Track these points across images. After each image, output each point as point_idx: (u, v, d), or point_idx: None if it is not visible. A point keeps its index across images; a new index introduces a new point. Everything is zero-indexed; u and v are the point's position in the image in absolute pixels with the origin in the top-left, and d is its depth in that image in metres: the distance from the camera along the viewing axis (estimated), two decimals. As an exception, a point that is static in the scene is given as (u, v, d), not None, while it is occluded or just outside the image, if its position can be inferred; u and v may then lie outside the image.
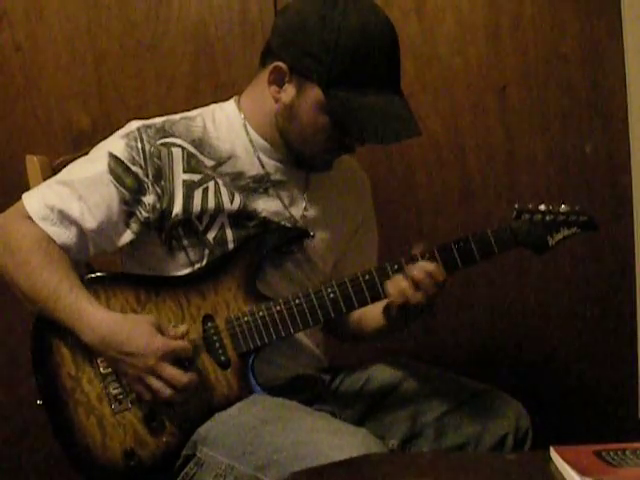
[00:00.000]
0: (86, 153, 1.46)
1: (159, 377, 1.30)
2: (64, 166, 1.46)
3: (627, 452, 1.03)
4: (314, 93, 1.35)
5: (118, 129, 1.44)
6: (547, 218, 1.38)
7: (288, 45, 1.36)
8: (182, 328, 1.35)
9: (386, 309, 1.42)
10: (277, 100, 1.39)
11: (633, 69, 2.00)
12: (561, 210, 1.39)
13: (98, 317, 1.32)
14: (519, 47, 2.03)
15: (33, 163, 1.55)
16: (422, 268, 1.33)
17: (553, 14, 2.03)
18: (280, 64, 1.36)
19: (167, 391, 1.31)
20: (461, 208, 2.08)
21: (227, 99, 1.51)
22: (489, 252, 1.38)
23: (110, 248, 1.42)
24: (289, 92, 1.38)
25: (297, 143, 1.41)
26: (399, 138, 1.38)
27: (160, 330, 1.32)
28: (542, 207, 1.39)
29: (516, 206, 1.39)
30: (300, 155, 1.43)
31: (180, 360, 1.32)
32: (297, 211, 1.47)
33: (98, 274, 1.41)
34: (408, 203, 2.09)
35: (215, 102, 1.51)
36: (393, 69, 1.37)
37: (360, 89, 1.33)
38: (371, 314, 1.51)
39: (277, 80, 1.38)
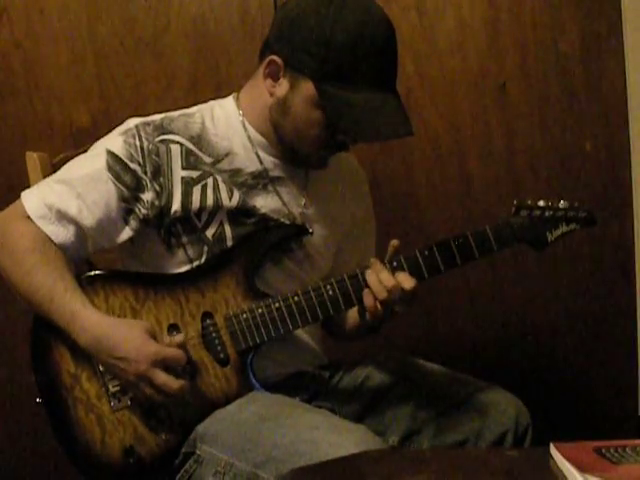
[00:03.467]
0: (86, 150, 1.46)
1: (150, 383, 1.30)
2: (64, 163, 1.46)
3: (627, 449, 1.02)
4: (307, 88, 1.35)
5: (118, 126, 1.44)
6: (546, 214, 1.38)
7: (283, 39, 1.35)
8: (179, 337, 1.34)
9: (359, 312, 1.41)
10: (272, 94, 1.39)
11: (633, 68, 2.00)
12: (560, 206, 1.38)
13: (92, 320, 1.31)
14: (519, 44, 2.03)
15: (33, 160, 1.55)
16: (377, 279, 1.33)
17: (553, 12, 2.02)
18: (275, 58, 1.36)
19: (158, 397, 1.31)
20: (461, 207, 2.07)
21: (227, 96, 1.50)
22: (488, 249, 1.38)
23: (109, 245, 1.42)
24: (283, 86, 1.37)
25: (290, 138, 1.40)
26: (388, 137, 1.39)
27: (154, 336, 1.32)
28: (541, 203, 1.38)
29: (515, 202, 1.38)
30: (294, 151, 1.42)
31: (173, 367, 1.31)
32: (296, 208, 1.46)
33: (97, 272, 1.41)
34: (408, 201, 2.09)
35: (215, 99, 1.51)
36: (388, 67, 1.36)
37: (352, 86, 1.33)
38: (350, 312, 1.51)
39: (272, 74, 1.38)
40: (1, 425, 2.10)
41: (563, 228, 1.39)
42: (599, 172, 2.05)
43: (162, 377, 1.29)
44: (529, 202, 1.38)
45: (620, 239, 2.06)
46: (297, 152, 1.42)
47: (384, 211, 2.02)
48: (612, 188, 2.05)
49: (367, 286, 1.34)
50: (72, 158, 1.46)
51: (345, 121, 1.33)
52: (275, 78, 1.38)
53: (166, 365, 1.30)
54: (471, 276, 2.05)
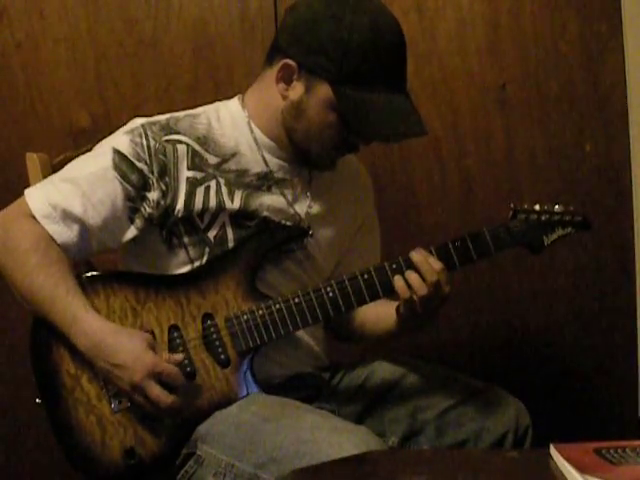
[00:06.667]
0: (88, 150, 1.46)
1: (143, 394, 1.29)
2: (64, 164, 1.46)
3: (627, 450, 1.02)
4: (323, 90, 1.35)
5: (118, 127, 1.44)
6: (543, 218, 1.40)
7: (298, 42, 1.36)
8: (178, 357, 1.34)
9: (397, 309, 1.42)
10: (285, 97, 1.39)
11: (633, 68, 2.00)
12: (556, 210, 1.41)
13: (93, 325, 1.31)
14: (519, 45, 2.03)
15: (33, 161, 1.55)
16: (426, 260, 1.34)
17: (553, 12, 2.02)
18: (289, 61, 1.37)
19: (150, 409, 1.31)
20: (461, 207, 2.07)
21: (227, 97, 1.51)
22: (486, 252, 1.39)
23: (114, 245, 1.42)
24: (297, 89, 1.38)
25: (303, 141, 1.41)
26: (407, 136, 1.41)
27: (154, 349, 1.32)
28: (537, 207, 1.41)
29: (512, 206, 1.41)
30: (305, 153, 1.43)
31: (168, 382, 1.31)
32: (301, 208, 1.47)
33: (98, 273, 1.41)
34: (408, 202, 2.09)
35: (215, 100, 1.51)
36: (401, 68, 1.38)
37: (369, 87, 1.34)
38: (376, 317, 1.51)
39: (285, 77, 1.38)
40: (1, 425, 2.10)
41: (559, 232, 1.42)
42: (599, 172, 2.04)
43: (156, 390, 1.29)
44: (525, 206, 1.41)
45: (620, 239, 2.06)
46: (308, 154, 1.43)
47: (384, 211, 2.01)
48: (612, 188, 2.04)
49: (412, 267, 1.34)
50: (72, 159, 1.46)
51: (363, 123, 1.35)
52: (288, 81, 1.38)
53: (161, 379, 1.30)
54: (471, 276, 2.05)
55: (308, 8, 1.37)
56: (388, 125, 1.36)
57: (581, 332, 2.09)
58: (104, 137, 1.45)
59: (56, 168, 1.47)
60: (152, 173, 1.38)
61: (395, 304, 1.42)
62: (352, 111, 1.35)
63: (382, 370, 1.55)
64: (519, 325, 2.10)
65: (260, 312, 1.37)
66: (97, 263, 1.51)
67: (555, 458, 1.03)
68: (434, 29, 2.03)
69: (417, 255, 1.35)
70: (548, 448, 1.05)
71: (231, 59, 2.04)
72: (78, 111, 2.04)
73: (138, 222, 1.40)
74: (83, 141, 1.80)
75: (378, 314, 1.51)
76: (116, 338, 1.31)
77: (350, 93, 1.34)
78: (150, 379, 1.29)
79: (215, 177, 1.41)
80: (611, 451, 1.02)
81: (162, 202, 1.39)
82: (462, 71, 2.04)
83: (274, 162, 1.45)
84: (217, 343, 1.37)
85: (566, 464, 0.98)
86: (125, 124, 1.44)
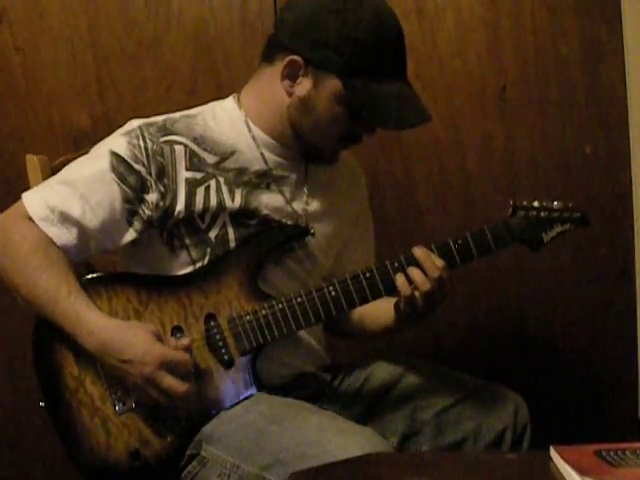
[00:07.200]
0: (86, 152, 1.46)
1: (156, 386, 1.30)
2: (64, 166, 1.46)
3: (627, 452, 1.03)
4: (332, 84, 1.36)
5: (118, 128, 1.44)
6: (542, 215, 1.41)
7: (303, 38, 1.36)
8: (185, 340, 1.34)
9: (396, 305, 1.42)
10: (290, 94, 1.40)
11: (633, 69, 2.00)
12: (554, 207, 1.41)
13: (98, 323, 1.31)
14: (519, 47, 2.03)
15: (33, 163, 1.55)
16: (428, 256, 1.35)
17: (553, 15, 2.02)
18: (295, 57, 1.37)
19: (163, 400, 1.31)
20: (461, 208, 2.08)
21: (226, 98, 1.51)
22: (487, 249, 1.39)
23: (112, 247, 1.42)
24: (304, 85, 1.38)
25: (310, 135, 1.42)
26: (416, 123, 1.41)
27: (160, 339, 1.32)
28: (536, 204, 1.41)
29: (511, 203, 1.41)
30: (310, 147, 1.44)
31: (179, 370, 1.31)
32: (298, 205, 1.47)
33: (100, 274, 1.41)
34: (408, 202, 2.09)
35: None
36: (403, 57, 1.40)
37: (376, 78, 1.36)
38: (375, 313, 1.52)
39: (291, 74, 1.38)
40: (5, 427, 2.10)
41: (558, 228, 1.42)
42: (599, 174, 2.05)
43: (168, 380, 1.29)
44: (525, 203, 1.41)
45: (620, 240, 2.06)
46: (313, 147, 1.44)
47: (384, 212, 2.02)
48: (612, 190, 2.05)
49: (415, 264, 1.35)
50: (72, 161, 1.46)
51: (376, 113, 1.36)
52: (294, 78, 1.38)
53: (172, 368, 1.30)
54: (471, 276, 2.05)
55: (310, 3, 1.38)
56: (399, 114, 1.37)
57: (581, 332, 2.10)
58: (104, 139, 1.45)
59: (56, 170, 1.47)
60: (150, 175, 1.38)
61: (393, 300, 1.42)
62: (363, 103, 1.36)
63: (381, 371, 1.55)
64: (518, 325, 2.10)
65: (263, 312, 1.37)
66: (97, 265, 1.52)
67: (555, 460, 1.03)
68: (434, 31, 2.03)
69: (419, 251, 1.36)
70: (548, 450, 1.06)
71: (231, 60, 2.04)
72: (78, 113, 2.04)
73: (137, 225, 1.39)
74: (83, 143, 1.79)
75: (376, 310, 1.52)
76: (122, 334, 1.31)
77: (360, 85, 1.35)
78: (161, 370, 1.29)
79: (215, 176, 1.41)
80: (611, 453, 1.02)
81: (161, 204, 1.39)
82: (462, 73, 2.04)
83: (273, 160, 1.45)
84: (220, 344, 1.38)
85: (566, 466, 0.99)
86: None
